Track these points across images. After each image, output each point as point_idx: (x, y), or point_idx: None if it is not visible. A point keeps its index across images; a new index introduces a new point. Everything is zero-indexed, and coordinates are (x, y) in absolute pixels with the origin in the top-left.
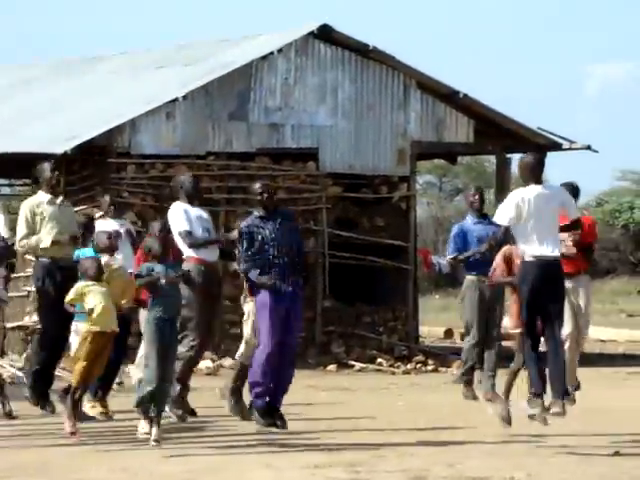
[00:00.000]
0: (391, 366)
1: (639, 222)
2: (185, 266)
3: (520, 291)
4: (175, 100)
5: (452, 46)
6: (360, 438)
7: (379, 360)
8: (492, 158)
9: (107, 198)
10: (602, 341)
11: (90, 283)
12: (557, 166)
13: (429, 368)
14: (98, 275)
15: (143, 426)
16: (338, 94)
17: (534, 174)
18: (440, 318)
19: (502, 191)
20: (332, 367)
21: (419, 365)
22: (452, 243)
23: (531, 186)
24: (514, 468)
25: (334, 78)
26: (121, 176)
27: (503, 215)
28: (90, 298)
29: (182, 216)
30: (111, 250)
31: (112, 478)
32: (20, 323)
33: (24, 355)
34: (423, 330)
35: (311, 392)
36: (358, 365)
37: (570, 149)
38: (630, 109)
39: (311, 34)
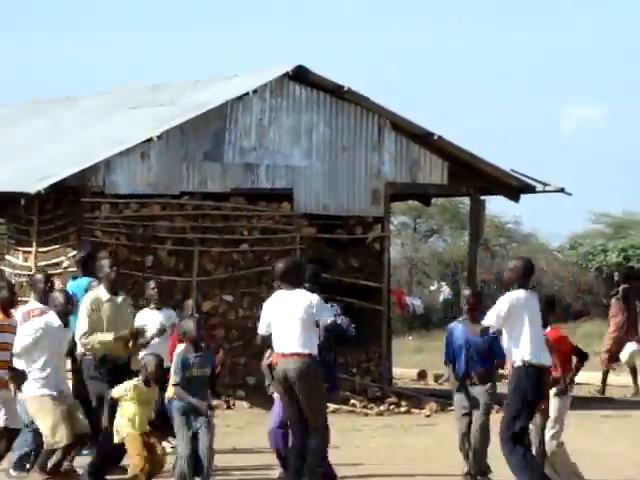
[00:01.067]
0: (364, 407)
1: (612, 265)
2: None
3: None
4: (150, 140)
5: (426, 86)
6: None
7: (352, 401)
8: (466, 199)
9: (152, 283)
10: (577, 384)
11: (140, 386)
12: (530, 208)
13: (402, 409)
14: (155, 374)
15: None
16: (313, 135)
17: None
18: (413, 359)
19: (476, 232)
20: None
21: (392, 406)
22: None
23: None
24: None
25: (309, 119)
26: (95, 215)
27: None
28: (131, 405)
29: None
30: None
31: None
32: None
33: None
34: (396, 371)
35: None
36: (331, 406)
37: (544, 191)
38: (604, 152)
39: (286, 75)
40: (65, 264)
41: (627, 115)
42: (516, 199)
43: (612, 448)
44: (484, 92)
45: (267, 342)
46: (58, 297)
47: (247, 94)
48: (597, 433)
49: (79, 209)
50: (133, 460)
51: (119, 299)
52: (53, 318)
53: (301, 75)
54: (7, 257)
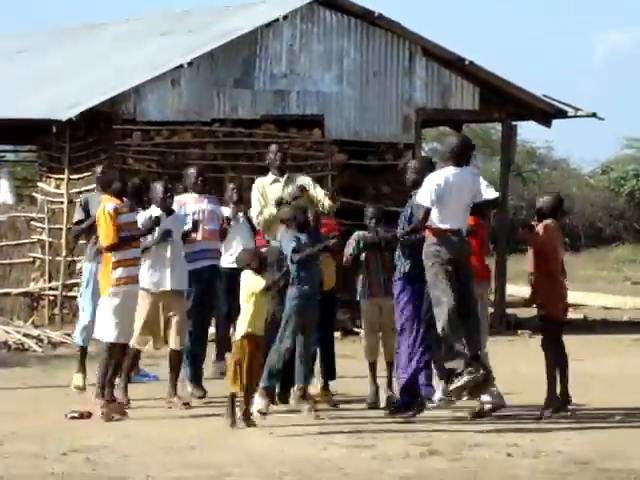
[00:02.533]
0: None
1: None
2: None
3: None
4: (180, 67)
5: (458, 13)
6: (362, 409)
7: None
8: (497, 125)
9: (193, 170)
10: (607, 308)
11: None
12: (563, 133)
13: None
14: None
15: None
16: (343, 61)
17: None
18: None
19: (507, 159)
20: (337, 334)
21: None
22: None
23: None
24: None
25: (340, 45)
26: (126, 143)
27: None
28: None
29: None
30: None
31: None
32: (25, 289)
33: (29, 322)
34: None
35: None
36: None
37: (576, 116)
38: (637, 76)
39: (316, 1)
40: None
41: None
42: (548, 124)
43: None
44: (516, 17)
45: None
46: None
47: (277, 20)
48: (625, 356)
49: (110, 136)
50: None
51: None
52: None
53: (331, 0)
54: (39, 184)
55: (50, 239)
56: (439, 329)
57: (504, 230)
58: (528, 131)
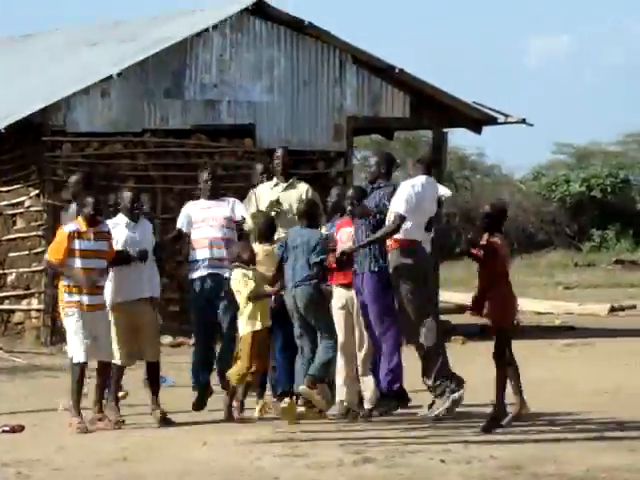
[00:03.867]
0: None
1: (575, 195)
2: None
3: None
4: (110, 77)
5: (388, 21)
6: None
7: None
8: (429, 133)
9: (259, 167)
10: (539, 313)
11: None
12: (494, 140)
13: None
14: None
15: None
16: (274, 70)
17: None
18: None
19: (439, 166)
20: None
21: None
22: None
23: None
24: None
25: (270, 54)
26: (56, 154)
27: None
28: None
29: None
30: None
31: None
32: None
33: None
34: None
35: None
36: None
37: (506, 123)
38: (567, 82)
39: (246, 10)
40: (27, 203)
41: (591, 45)
42: (478, 131)
43: (572, 375)
44: (448, 24)
45: None
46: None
47: (207, 30)
48: (557, 361)
49: (40, 148)
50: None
51: None
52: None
53: (261, 10)
54: None
55: None
56: (427, 346)
57: (438, 237)
58: (459, 138)
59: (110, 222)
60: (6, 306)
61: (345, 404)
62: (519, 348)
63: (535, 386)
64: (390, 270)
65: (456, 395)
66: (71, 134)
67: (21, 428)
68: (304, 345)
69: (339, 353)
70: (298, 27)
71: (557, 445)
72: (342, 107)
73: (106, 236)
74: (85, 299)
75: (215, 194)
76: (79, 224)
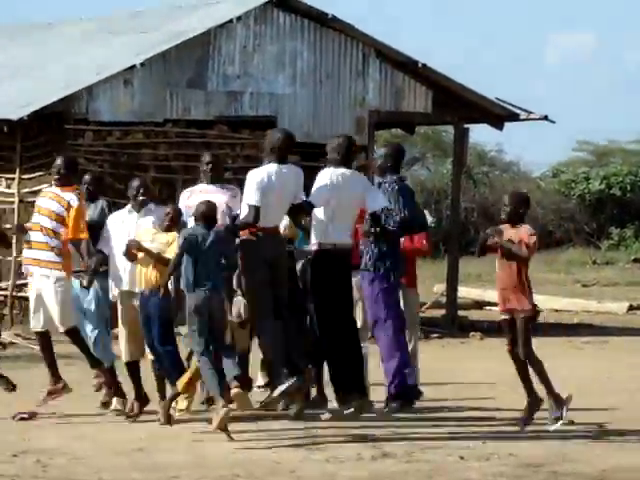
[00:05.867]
0: None
1: (595, 193)
2: None
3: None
4: (133, 67)
5: (412, 15)
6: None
7: None
8: (449, 128)
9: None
10: (557, 311)
11: None
12: (515, 136)
13: None
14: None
15: None
16: (297, 62)
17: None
18: None
19: (459, 161)
20: None
21: None
22: None
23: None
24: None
25: (293, 46)
26: (78, 143)
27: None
28: None
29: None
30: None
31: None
32: None
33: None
34: None
35: None
36: None
37: (527, 119)
38: (589, 80)
39: (270, 2)
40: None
41: (613, 43)
42: (500, 127)
43: (590, 373)
44: (470, 20)
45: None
46: None
47: (231, 21)
48: (575, 358)
49: (62, 136)
50: None
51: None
52: None
53: (285, 2)
54: None
55: None
56: (265, 344)
57: (456, 232)
58: (479, 133)
59: (119, 214)
60: (24, 293)
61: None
62: (538, 344)
63: (554, 382)
64: None
65: (283, 387)
66: (93, 123)
67: (34, 415)
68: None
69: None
70: (322, 20)
71: (576, 444)
72: (364, 101)
73: None
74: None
75: (217, 179)
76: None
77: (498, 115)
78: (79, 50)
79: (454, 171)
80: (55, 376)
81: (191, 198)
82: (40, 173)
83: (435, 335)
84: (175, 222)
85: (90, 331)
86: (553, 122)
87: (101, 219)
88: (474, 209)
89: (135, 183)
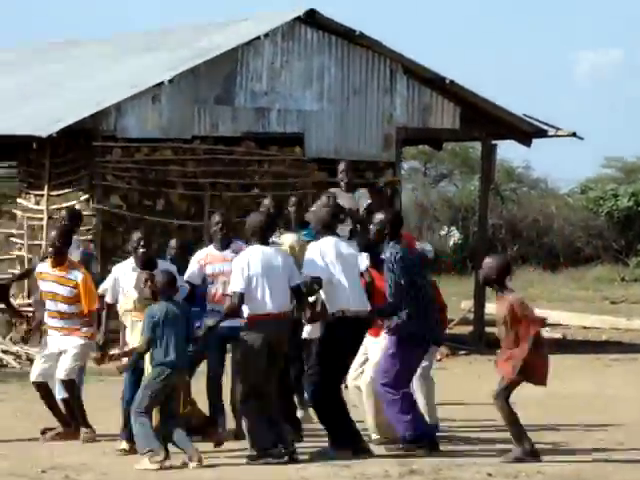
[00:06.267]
0: None
1: (623, 209)
2: None
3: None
4: (161, 84)
5: (439, 32)
6: None
7: None
8: (477, 144)
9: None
10: (585, 328)
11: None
12: (543, 153)
13: None
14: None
15: None
16: (324, 79)
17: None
18: None
19: (487, 177)
20: None
21: None
22: None
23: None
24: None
25: (320, 63)
26: (106, 159)
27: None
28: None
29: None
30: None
31: None
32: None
33: (7, 338)
34: None
35: None
36: None
37: (556, 136)
38: (617, 96)
39: (298, 19)
40: (77, 208)
41: None
42: (528, 144)
43: (619, 391)
44: (498, 36)
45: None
46: None
47: (258, 38)
48: (603, 376)
49: (91, 153)
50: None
51: None
52: None
53: (312, 18)
54: (19, 200)
55: (29, 255)
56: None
57: (483, 249)
58: (506, 150)
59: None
60: None
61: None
62: (566, 361)
63: (582, 399)
64: None
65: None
66: (121, 139)
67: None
68: None
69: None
70: (349, 36)
71: (604, 461)
72: (392, 117)
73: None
74: None
75: (227, 240)
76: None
77: (526, 131)
78: (109, 67)
79: (482, 187)
80: (62, 421)
81: (205, 267)
82: (68, 190)
83: (462, 352)
84: (158, 289)
85: None
86: (581, 138)
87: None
88: (502, 226)
89: (136, 236)
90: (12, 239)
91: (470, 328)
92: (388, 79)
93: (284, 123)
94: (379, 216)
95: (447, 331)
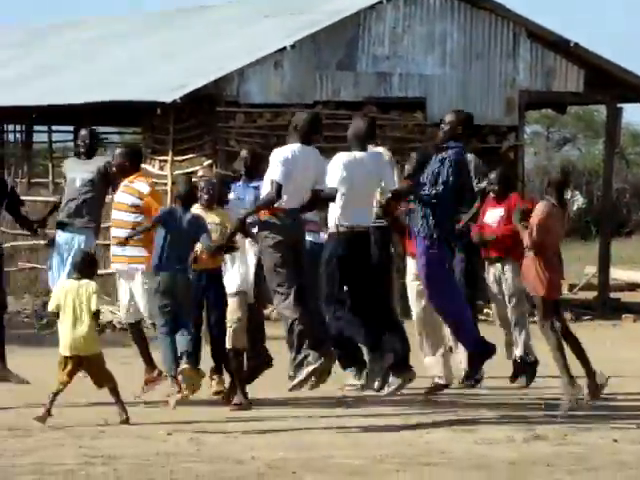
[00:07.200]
0: None
1: None
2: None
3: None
4: (283, 49)
5: None
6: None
7: (486, 310)
8: (600, 107)
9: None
10: None
11: None
12: None
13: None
14: None
15: None
16: (447, 43)
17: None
18: None
19: (612, 141)
20: None
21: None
22: None
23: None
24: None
25: (443, 27)
26: (229, 125)
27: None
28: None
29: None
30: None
31: None
32: None
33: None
34: None
35: None
36: None
37: None
38: None
39: None
40: (200, 173)
41: None
42: None
43: None
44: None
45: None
46: None
47: (381, 2)
48: None
49: (214, 118)
50: None
51: None
52: None
53: None
54: (144, 166)
55: None
56: (290, 321)
57: (608, 213)
58: (632, 114)
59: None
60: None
61: (440, 380)
62: None
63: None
64: None
65: (310, 368)
66: (244, 105)
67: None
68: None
69: (417, 328)
70: (472, 0)
71: None
72: (514, 81)
73: None
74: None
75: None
76: None
77: None
78: (231, 32)
79: (606, 152)
80: (150, 365)
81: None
82: (192, 155)
83: (587, 317)
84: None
85: None
86: None
87: None
88: (626, 190)
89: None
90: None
91: (594, 293)
92: (511, 43)
93: (406, 88)
94: (449, 116)
95: (571, 296)
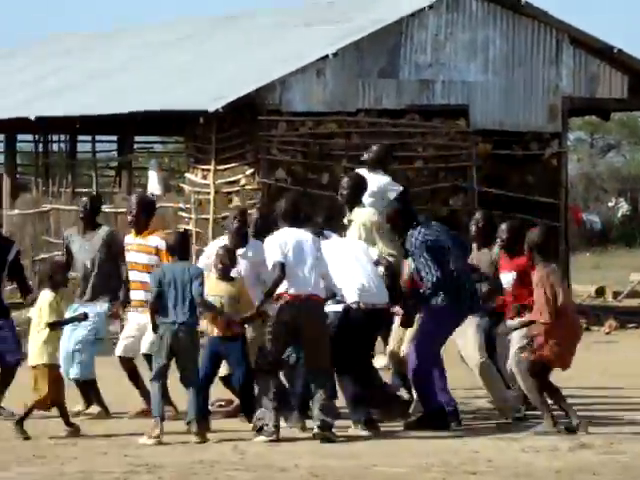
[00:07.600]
0: None
1: None
2: None
3: None
4: (325, 57)
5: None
6: None
7: None
8: None
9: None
10: None
11: None
12: None
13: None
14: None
15: None
16: (489, 50)
17: None
18: (592, 276)
19: None
20: None
21: None
22: None
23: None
24: None
25: (485, 34)
26: (271, 134)
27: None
28: None
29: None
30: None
31: None
32: None
33: None
34: (575, 288)
35: None
36: None
37: None
38: None
39: None
40: (242, 182)
41: None
42: None
43: None
44: None
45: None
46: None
47: (423, 9)
48: None
49: (256, 127)
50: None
51: None
52: None
53: None
54: (187, 175)
55: (197, 229)
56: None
57: None
58: None
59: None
60: None
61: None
62: None
63: None
64: None
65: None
66: (286, 113)
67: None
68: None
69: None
70: (514, 7)
71: None
72: (557, 87)
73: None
74: None
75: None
76: None
77: None
78: (272, 41)
79: None
80: (147, 397)
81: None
82: (234, 164)
83: (631, 325)
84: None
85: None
86: None
87: None
88: None
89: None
90: (180, 213)
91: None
92: (554, 49)
93: (448, 95)
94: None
95: (616, 304)
